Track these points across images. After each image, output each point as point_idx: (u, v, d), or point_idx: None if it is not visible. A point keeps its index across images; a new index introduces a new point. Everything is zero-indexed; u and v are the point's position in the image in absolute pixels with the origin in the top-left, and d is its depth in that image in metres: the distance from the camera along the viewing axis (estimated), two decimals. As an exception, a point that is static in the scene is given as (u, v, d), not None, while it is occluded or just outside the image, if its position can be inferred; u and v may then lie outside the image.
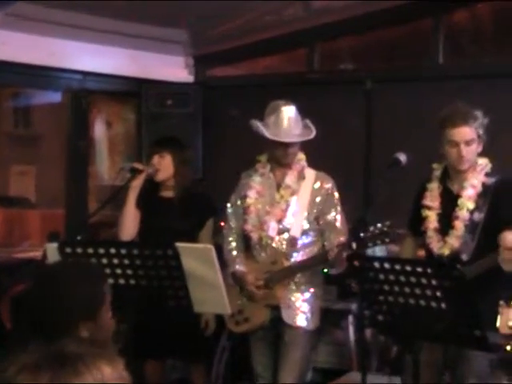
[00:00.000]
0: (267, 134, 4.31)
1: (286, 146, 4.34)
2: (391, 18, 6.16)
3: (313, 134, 4.35)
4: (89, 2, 5.43)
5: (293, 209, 4.41)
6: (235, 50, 6.74)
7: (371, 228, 3.94)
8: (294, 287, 4.39)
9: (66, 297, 2.53)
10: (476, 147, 3.92)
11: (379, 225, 3.95)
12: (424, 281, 3.27)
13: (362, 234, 3.85)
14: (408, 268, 3.31)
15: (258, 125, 4.36)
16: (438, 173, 4.08)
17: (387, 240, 3.98)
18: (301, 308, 4.38)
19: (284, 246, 4.39)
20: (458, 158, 3.90)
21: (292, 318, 4.37)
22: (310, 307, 4.40)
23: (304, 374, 4.51)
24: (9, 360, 1.56)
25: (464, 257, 3.87)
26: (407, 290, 3.33)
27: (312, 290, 4.43)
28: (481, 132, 3.90)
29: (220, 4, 5.71)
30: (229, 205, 4.62)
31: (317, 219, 4.42)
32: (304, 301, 4.39)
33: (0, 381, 1.53)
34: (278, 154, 4.39)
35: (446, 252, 3.92)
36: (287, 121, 4.33)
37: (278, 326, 4.42)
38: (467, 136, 3.87)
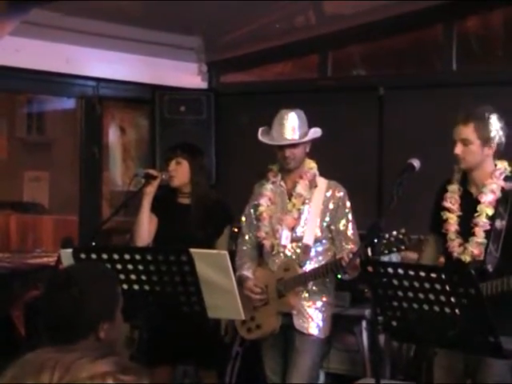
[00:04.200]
0: (260, 137, 4.38)
1: (282, 149, 4.37)
2: (403, 24, 6.16)
3: (307, 138, 4.37)
4: (102, 8, 5.46)
5: (305, 217, 4.41)
6: (249, 57, 6.75)
7: (386, 235, 3.93)
8: (306, 295, 4.40)
9: (89, 297, 2.54)
10: (478, 149, 3.89)
11: (394, 232, 3.94)
12: (438, 286, 3.27)
13: (375, 240, 3.84)
14: (422, 274, 3.30)
15: (259, 131, 4.42)
16: (458, 175, 4.06)
17: (403, 247, 3.97)
18: (313, 316, 4.39)
19: (297, 254, 4.40)
20: (456, 156, 3.92)
21: (304, 325, 4.37)
22: (322, 316, 4.41)
23: (313, 382, 4.51)
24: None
25: (489, 267, 3.82)
26: (421, 295, 3.33)
27: (324, 298, 4.44)
28: (487, 134, 3.88)
29: (233, 10, 5.73)
30: (243, 218, 4.64)
31: (328, 227, 4.43)
32: (316, 309, 4.40)
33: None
34: (279, 158, 4.43)
35: (467, 258, 3.89)
36: (284, 125, 4.36)
37: (288, 333, 4.42)
38: (462, 134, 3.89)
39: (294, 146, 4.38)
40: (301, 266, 4.38)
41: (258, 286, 4.42)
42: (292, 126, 4.37)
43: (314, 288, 4.40)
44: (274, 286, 4.41)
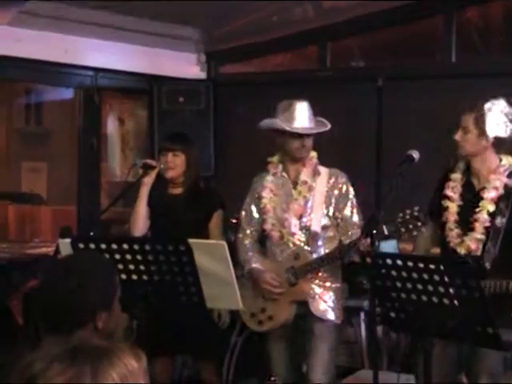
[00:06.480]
0: (286, 126, 4.33)
1: (302, 138, 4.36)
2: (402, 15, 6.16)
3: (328, 127, 4.40)
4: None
5: (311, 204, 4.41)
6: (247, 48, 6.74)
7: (401, 214, 3.92)
8: (320, 282, 4.39)
9: (86, 287, 2.53)
10: (475, 138, 3.90)
11: (408, 210, 3.93)
12: (437, 278, 3.27)
13: (374, 232, 3.82)
14: (420, 265, 3.30)
15: (273, 120, 4.38)
16: (461, 165, 4.06)
17: (419, 224, 3.93)
18: (328, 302, 4.39)
19: (306, 242, 4.39)
20: (455, 142, 3.98)
21: (321, 311, 4.36)
22: (337, 301, 4.42)
23: (332, 366, 4.48)
24: (32, 355, 1.57)
25: (487, 265, 3.81)
26: (420, 286, 3.33)
27: (337, 285, 4.45)
28: (483, 126, 3.86)
29: (232, 1, 5.72)
30: (243, 212, 4.62)
31: (334, 214, 4.43)
32: (331, 296, 4.40)
33: (27, 374, 1.54)
34: (293, 148, 4.38)
35: (463, 251, 3.89)
36: (302, 115, 4.36)
37: (304, 321, 4.40)
38: (463, 122, 3.95)
39: (310, 135, 4.40)
40: (311, 252, 4.38)
41: (276, 279, 4.40)
42: (309, 115, 4.39)
43: (325, 275, 4.39)
44: (283, 275, 4.40)
